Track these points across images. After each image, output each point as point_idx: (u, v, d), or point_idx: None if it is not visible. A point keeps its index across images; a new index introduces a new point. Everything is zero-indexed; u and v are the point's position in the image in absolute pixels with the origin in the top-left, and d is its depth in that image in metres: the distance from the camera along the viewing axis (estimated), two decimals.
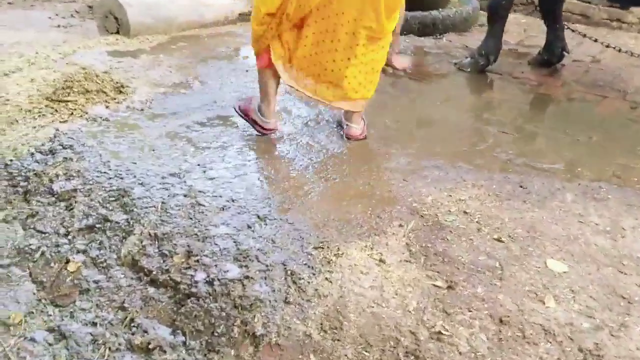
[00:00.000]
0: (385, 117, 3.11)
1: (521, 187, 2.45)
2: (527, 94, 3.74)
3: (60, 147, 2.82)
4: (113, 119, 3.08)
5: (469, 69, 4.06)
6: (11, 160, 2.81)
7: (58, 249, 2.36)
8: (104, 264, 2.26)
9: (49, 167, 2.72)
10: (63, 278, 2.26)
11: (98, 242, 2.33)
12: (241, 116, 2.98)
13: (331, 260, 2.00)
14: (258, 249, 2.09)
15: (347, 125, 2.88)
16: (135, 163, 2.64)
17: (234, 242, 2.16)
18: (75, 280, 2.24)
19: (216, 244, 2.17)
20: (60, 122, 3.03)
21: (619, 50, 4.11)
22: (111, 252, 2.29)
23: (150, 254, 2.22)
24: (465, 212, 2.24)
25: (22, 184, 2.70)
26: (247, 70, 3.88)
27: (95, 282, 2.21)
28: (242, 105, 3.02)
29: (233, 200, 2.37)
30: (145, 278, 2.17)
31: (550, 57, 4.15)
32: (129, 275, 2.20)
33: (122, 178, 2.54)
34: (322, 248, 2.05)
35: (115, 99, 3.29)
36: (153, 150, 2.75)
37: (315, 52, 2.71)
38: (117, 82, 3.42)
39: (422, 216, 2.21)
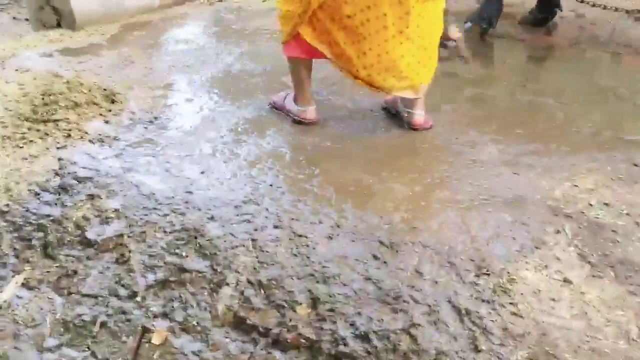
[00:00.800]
0: (430, 98, 2.76)
1: (635, 165, 2.23)
2: (544, 57, 3.55)
3: (75, 181, 2.25)
4: (123, 136, 2.51)
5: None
6: (8, 205, 2.20)
7: (125, 316, 1.86)
8: (198, 328, 1.79)
9: (70, 209, 2.16)
10: (148, 354, 1.77)
11: (180, 300, 1.85)
12: (277, 110, 2.72)
13: (506, 288, 1.67)
14: (408, 286, 1.72)
15: (408, 112, 2.52)
16: (190, 192, 2.13)
17: (368, 279, 1.77)
18: (166, 355, 1.76)
19: (346, 285, 1.77)
20: (57, 148, 2.42)
21: (604, 8, 4.00)
22: (203, 310, 1.82)
23: (259, 307, 1.79)
24: (606, 204, 1.99)
25: (35, 234, 2.13)
26: (229, 66, 3.37)
27: (196, 353, 1.75)
28: (276, 100, 2.74)
29: (338, 226, 1.95)
30: (262, 339, 1.74)
31: (545, 15, 3.97)
32: (237, 338, 1.76)
33: (183, 213, 2.04)
34: (488, 274, 1.71)
35: (110, 110, 2.70)
36: (202, 172, 2.24)
37: (364, 37, 2.32)
38: (105, 89, 2.80)
39: (568, 216, 1.93)
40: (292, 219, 1.98)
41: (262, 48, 3.54)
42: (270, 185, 2.15)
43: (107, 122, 2.61)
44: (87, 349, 1.82)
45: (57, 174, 2.29)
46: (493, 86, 3.03)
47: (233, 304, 1.80)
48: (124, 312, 1.86)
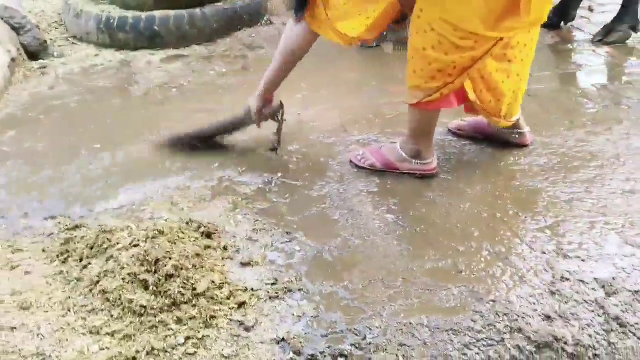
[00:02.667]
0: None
1: None
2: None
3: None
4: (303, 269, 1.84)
5: None
6: None
7: None
8: None
9: None
10: None
11: None
12: (385, 170, 2.36)
13: None
14: None
15: (519, 133, 2.48)
16: None
17: None
18: None
19: None
20: (248, 329, 1.64)
21: None
22: None
23: None
24: None
25: None
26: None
27: None
28: (380, 161, 2.37)
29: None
30: None
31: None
32: None
33: None
34: None
35: (226, 248, 1.91)
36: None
37: (518, 74, 2.21)
38: (187, 222, 1.95)
39: None
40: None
41: None
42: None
43: (246, 264, 1.86)
44: None
45: None
46: None
47: None
48: None
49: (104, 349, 1.55)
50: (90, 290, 1.70)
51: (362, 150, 2.44)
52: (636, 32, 3.67)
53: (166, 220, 1.96)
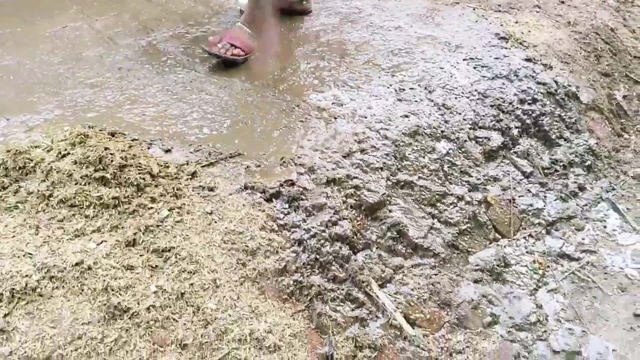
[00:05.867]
0: None
1: None
2: None
3: None
4: None
5: None
6: None
7: None
8: None
9: None
10: None
11: None
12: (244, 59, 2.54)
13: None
14: None
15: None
16: None
17: None
18: None
19: None
20: None
21: None
22: None
23: None
24: None
25: None
26: None
27: None
28: (246, 46, 2.52)
29: None
30: None
31: None
32: None
33: None
34: None
35: (149, 141, 1.98)
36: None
37: None
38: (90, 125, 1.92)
39: None
40: None
41: None
42: None
43: (168, 150, 1.97)
44: None
45: None
46: None
47: None
48: None
49: (101, 243, 1.58)
50: (47, 205, 1.64)
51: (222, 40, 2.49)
52: None
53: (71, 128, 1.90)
